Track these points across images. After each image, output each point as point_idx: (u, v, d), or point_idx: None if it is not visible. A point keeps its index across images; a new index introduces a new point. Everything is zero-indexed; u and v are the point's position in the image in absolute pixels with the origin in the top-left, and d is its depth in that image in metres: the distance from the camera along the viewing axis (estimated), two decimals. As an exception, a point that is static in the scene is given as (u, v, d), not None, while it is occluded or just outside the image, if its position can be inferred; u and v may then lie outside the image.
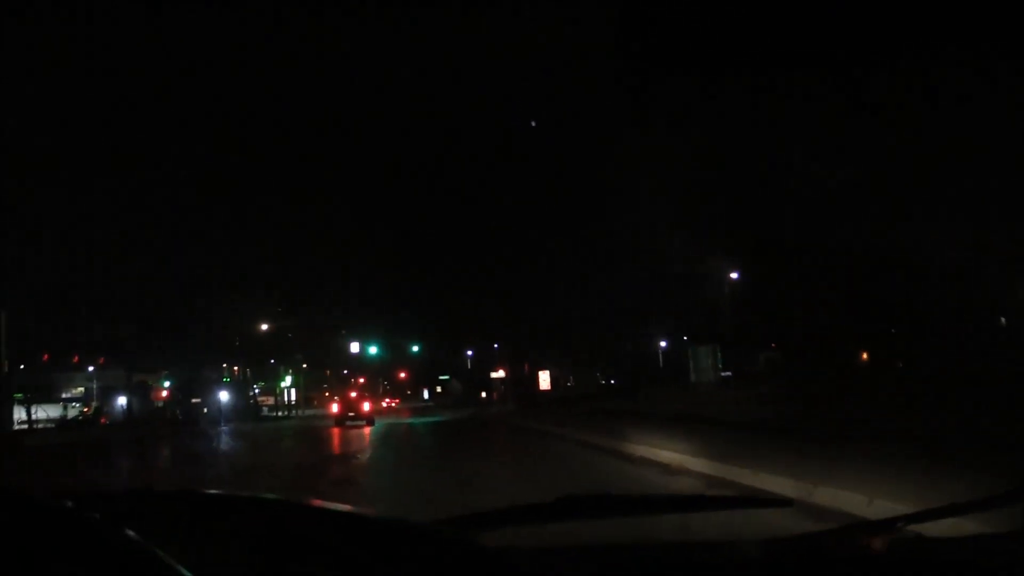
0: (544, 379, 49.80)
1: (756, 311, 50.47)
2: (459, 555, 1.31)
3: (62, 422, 58.69)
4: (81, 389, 75.05)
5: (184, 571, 0.94)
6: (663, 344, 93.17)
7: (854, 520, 4.47)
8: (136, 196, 72.72)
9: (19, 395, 66.40)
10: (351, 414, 35.69)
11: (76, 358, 61.11)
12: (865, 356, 47.41)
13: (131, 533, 0.98)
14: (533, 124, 37.72)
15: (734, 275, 51.29)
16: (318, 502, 1.58)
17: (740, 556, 1.57)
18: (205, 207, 75.32)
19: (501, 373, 43.90)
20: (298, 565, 1.24)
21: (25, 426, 62.96)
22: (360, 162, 69.46)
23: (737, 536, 1.72)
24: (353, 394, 38.69)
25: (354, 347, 51.69)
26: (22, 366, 66.01)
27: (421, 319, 67.95)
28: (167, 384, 58.98)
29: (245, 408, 76.16)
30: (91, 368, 75.90)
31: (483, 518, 1.70)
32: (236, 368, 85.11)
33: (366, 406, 36.07)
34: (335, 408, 37.02)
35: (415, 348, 53.26)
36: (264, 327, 69.55)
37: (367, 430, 32.07)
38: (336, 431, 32.60)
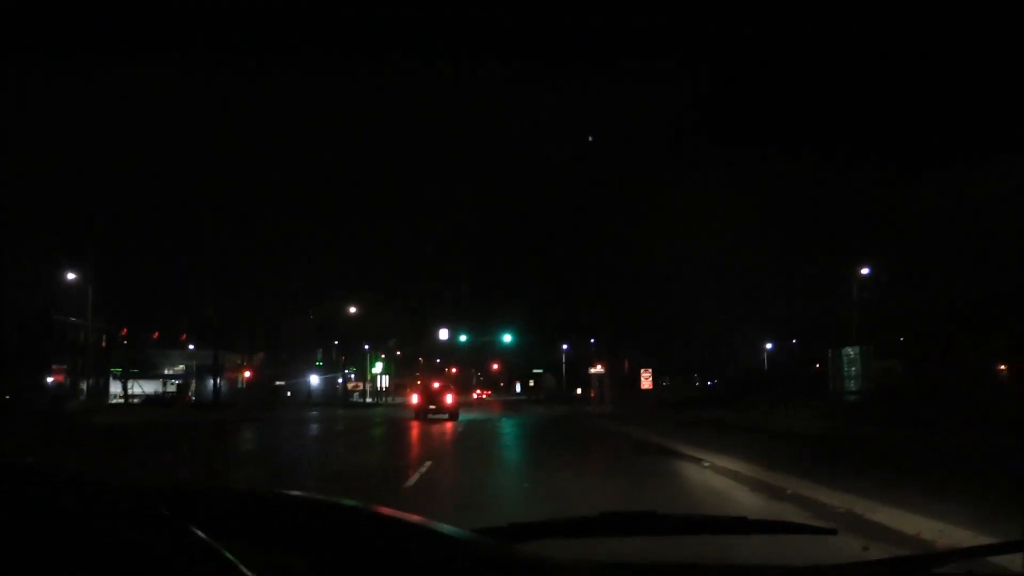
0: (646, 378, 44.93)
1: (884, 314, 44.51)
2: (494, 563, 1.31)
3: (148, 399, 57.41)
4: (182, 367, 74.43)
5: (246, 572, 0.95)
6: (768, 346, 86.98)
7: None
8: (235, 181, 71.79)
9: (117, 369, 66.12)
10: (432, 407, 31.87)
11: (156, 334, 59.65)
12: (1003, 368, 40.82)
13: (197, 531, 0.99)
14: (591, 139, 38.31)
15: (864, 271, 45.23)
16: (386, 510, 1.47)
17: None
18: (296, 194, 73.90)
19: (599, 369, 39.19)
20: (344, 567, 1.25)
21: (121, 400, 62.63)
22: (462, 155, 66.38)
23: (777, 562, 1.66)
24: (435, 385, 34.93)
25: (443, 334, 48.11)
26: (126, 343, 65.76)
27: (516, 310, 64.17)
28: (250, 365, 56.65)
29: (334, 393, 74.11)
30: (192, 346, 75.57)
31: (522, 529, 1.63)
32: (332, 353, 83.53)
33: (449, 398, 32.19)
34: (415, 399, 33.30)
35: (507, 338, 49.26)
36: (357, 312, 66.99)
37: (448, 426, 28.18)
38: (414, 425, 28.85)
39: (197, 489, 1.52)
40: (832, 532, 2.10)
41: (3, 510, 1.00)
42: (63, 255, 48.90)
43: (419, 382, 39.17)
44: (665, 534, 1.77)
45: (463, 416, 35.05)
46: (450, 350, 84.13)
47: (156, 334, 58.34)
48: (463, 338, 49.09)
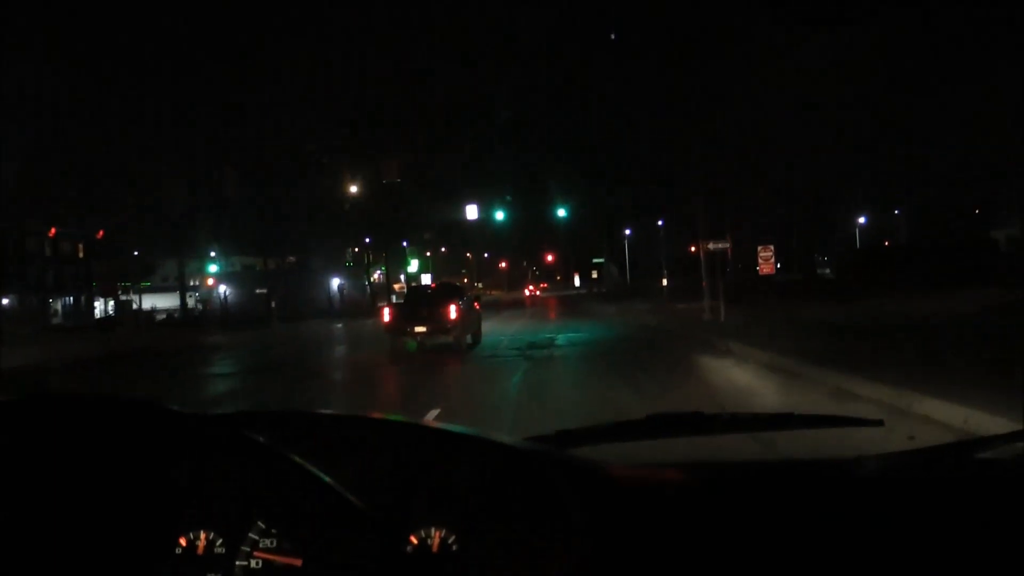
0: (766, 259, 28.56)
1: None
2: (548, 468, 1.26)
3: (100, 323, 42.96)
4: (210, 280, 59.74)
5: (333, 482, 0.95)
6: (861, 221, 69.38)
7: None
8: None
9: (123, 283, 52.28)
10: (421, 328, 15.93)
11: (52, 231, 44.32)
12: None
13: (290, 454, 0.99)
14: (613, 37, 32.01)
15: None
16: (433, 423, 1.40)
17: (822, 474, 1.44)
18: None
19: (717, 244, 22.57)
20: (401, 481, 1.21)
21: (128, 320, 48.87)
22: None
23: (825, 454, 1.53)
24: (427, 290, 19.03)
25: (471, 212, 32.14)
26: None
27: (570, 191, 47.66)
28: (212, 270, 41.49)
29: (362, 298, 59.43)
30: (212, 254, 61.25)
31: (570, 436, 1.56)
32: (367, 254, 68.08)
33: (452, 311, 15.91)
34: (387, 317, 17.07)
35: (561, 212, 33.38)
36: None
37: (451, 370, 12.81)
38: (383, 371, 13.55)
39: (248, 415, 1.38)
40: (879, 424, 1.92)
41: (91, 438, 1.01)
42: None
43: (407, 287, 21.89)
44: (712, 433, 1.67)
45: (494, 332, 19.66)
46: (496, 241, 68.31)
47: (52, 231, 43.00)
48: (500, 215, 33.11)
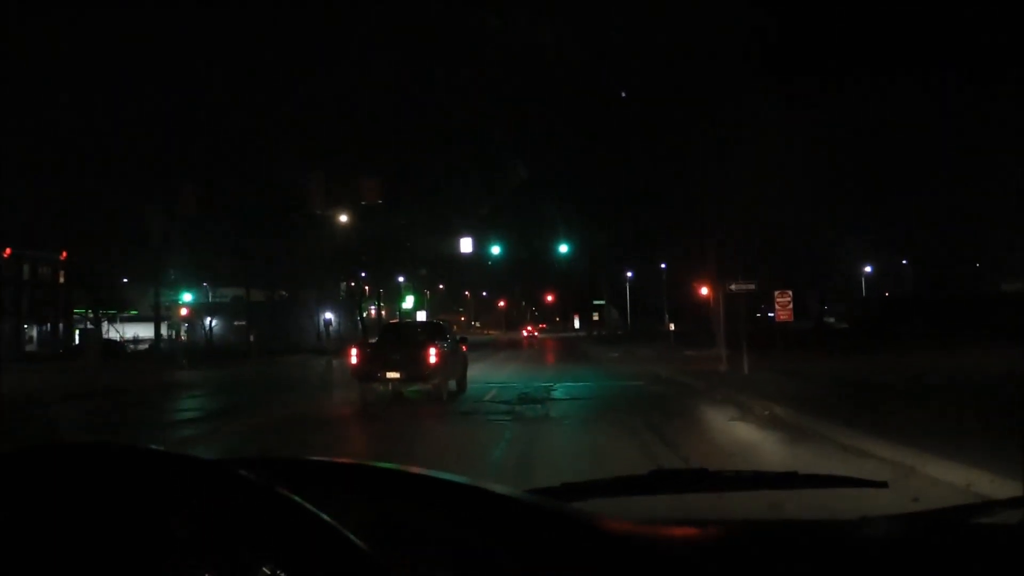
0: (784, 305, 25.81)
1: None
2: (550, 521, 1.22)
3: (68, 351, 39.89)
4: (183, 310, 56.70)
5: (348, 534, 0.92)
6: (868, 269, 66.65)
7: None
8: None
9: (82, 310, 49.37)
10: (393, 374, 13.00)
11: (8, 252, 41.13)
12: None
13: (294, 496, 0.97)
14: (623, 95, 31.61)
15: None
16: (431, 472, 1.35)
17: (827, 534, 1.43)
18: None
19: (739, 285, 20.11)
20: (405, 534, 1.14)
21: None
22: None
23: (829, 514, 1.54)
24: (400, 331, 16.03)
25: (466, 245, 29.44)
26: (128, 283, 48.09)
27: (570, 228, 45.13)
28: (186, 300, 38.58)
29: (352, 333, 56.51)
30: (205, 284, 58.44)
31: (574, 488, 1.55)
32: (367, 287, 65.09)
33: (432, 355, 12.81)
34: (355, 358, 14.23)
35: (563, 248, 30.86)
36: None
37: (415, 432, 10.05)
38: (342, 423, 10.79)
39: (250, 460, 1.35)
40: (883, 485, 1.88)
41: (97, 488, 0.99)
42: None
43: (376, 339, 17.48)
44: (716, 490, 1.66)
45: (484, 378, 16.93)
46: (495, 280, 65.60)
47: (8, 252, 39.96)
48: (496, 250, 30.49)
